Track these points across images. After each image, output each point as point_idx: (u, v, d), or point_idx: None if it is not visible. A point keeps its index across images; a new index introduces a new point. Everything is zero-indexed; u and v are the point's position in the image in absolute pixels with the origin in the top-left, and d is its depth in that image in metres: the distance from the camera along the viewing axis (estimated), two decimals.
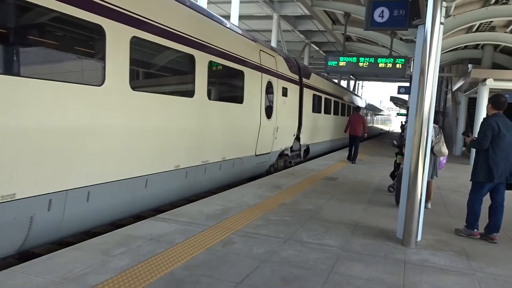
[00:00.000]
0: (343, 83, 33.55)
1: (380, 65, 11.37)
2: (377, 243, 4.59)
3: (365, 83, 61.21)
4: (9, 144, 3.58)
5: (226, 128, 7.53)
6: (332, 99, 16.88)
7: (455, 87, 20.78)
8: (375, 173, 10.51)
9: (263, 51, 9.19)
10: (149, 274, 3.38)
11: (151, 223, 4.86)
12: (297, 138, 12.11)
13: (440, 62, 4.62)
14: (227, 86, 7.96)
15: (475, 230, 5.03)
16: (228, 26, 7.84)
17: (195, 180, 6.64)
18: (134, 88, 4.99)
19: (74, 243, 4.14)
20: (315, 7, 15.22)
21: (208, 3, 15.01)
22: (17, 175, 3.69)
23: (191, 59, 6.21)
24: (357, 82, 48.28)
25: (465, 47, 18.37)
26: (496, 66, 17.92)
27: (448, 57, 19.12)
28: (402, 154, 7.24)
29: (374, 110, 35.62)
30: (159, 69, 5.87)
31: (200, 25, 6.56)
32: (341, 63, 11.79)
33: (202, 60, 6.46)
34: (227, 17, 15.13)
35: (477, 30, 15.46)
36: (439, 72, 5.21)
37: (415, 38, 4.84)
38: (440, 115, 24.27)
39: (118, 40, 4.72)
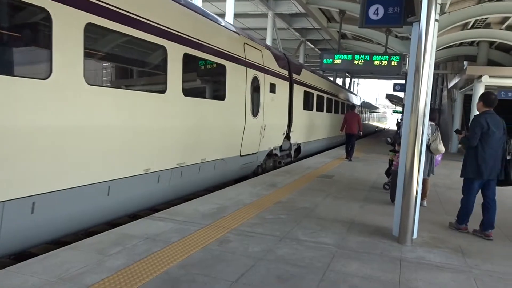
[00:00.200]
0: (339, 81, 33.55)
1: (376, 62, 11.36)
2: (373, 240, 4.60)
3: (361, 80, 61.26)
4: None
5: (206, 127, 6.97)
6: (325, 96, 16.41)
7: (450, 84, 20.87)
8: (371, 170, 10.53)
9: (248, 44, 8.60)
10: (145, 273, 3.37)
11: (147, 222, 4.85)
12: (287, 137, 11.65)
13: (435, 59, 4.63)
14: (206, 81, 7.40)
15: (464, 225, 5.15)
16: (207, 16, 7.21)
17: (169, 185, 6.11)
18: (90, 82, 4.43)
19: (70, 243, 4.13)
20: (310, 5, 15.21)
21: (203, 1, 14.96)
22: None
23: (162, 50, 5.64)
24: (353, 79, 48.35)
25: (461, 44, 18.45)
26: (491, 63, 18.00)
27: (444, 54, 19.18)
28: (395, 151, 7.28)
29: (369, 107, 35.65)
30: (122, 61, 5.30)
31: (174, 14, 6.01)
32: (337, 61, 11.76)
33: (175, 52, 5.87)
34: (222, 15, 15.09)
35: (472, 27, 15.51)
36: (435, 69, 5.22)
37: (410, 35, 4.85)
38: (437, 112, 24.33)
39: (68, 27, 4.11)
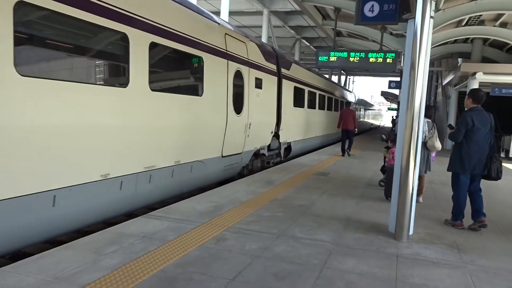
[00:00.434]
0: (334, 78, 33.59)
1: (371, 59, 11.39)
2: (369, 237, 4.61)
3: (356, 78, 61.43)
4: None
5: (180, 126, 6.27)
6: (318, 92, 15.74)
7: (445, 81, 20.95)
8: (367, 167, 10.56)
9: (229, 35, 7.88)
10: (141, 271, 3.36)
11: (143, 221, 4.83)
12: (276, 136, 11.02)
13: (430, 56, 4.64)
14: (179, 74, 6.61)
15: (459, 221, 5.21)
16: (182, 3, 6.46)
17: (135, 191, 5.43)
18: (23, 73, 3.71)
19: (66, 242, 4.11)
20: (305, 2, 15.22)
21: None
22: None
23: (122, 38, 4.94)
24: (348, 77, 48.44)
25: (455, 41, 18.53)
26: (485, 60, 18.10)
27: (438, 51, 19.27)
28: (388, 148, 7.31)
29: (364, 105, 35.68)
30: (67, 49, 4.41)
31: None
32: (332, 58, 11.78)
33: (139, 41, 5.19)
34: (217, 13, 15.05)
35: (466, 24, 15.58)
36: (429, 66, 5.23)
37: (405, 32, 4.86)
38: (433, 109, 24.42)
39: None
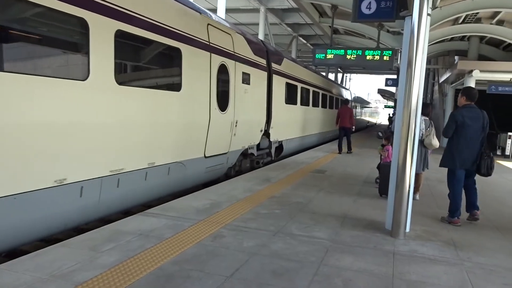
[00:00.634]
0: (331, 76, 33.62)
1: (368, 57, 11.38)
2: (366, 234, 4.62)
3: (353, 75, 61.45)
4: None
5: (154, 123, 5.71)
6: (311, 89, 15.14)
7: (442, 79, 20.98)
8: (363, 165, 10.57)
9: (212, 26, 7.26)
10: (138, 269, 3.36)
11: (140, 219, 4.82)
12: (267, 134, 10.41)
13: (427, 54, 4.65)
14: (152, 67, 5.97)
15: (455, 218, 5.24)
16: None
17: (99, 198, 4.85)
18: None
19: (63, 240, 4.09)
20: (302, 0, 15.18)
21: None
22: None
23: (81, 24, 4.37)
24: (345, 74, 48.46)
25: (452, 39, 18.56)
26: (482, 57, 18.14)
27: (435, 49, 19.30)
28: (383, 146, 7.35)
29: (361, 102, 35.69)
30: (17, 36, 3.85)
31: None
32: (329, 56, 11.76)
33: (102, 28, 4.63)
34: (214, 10, 15.03)
35: (463, 22, 15.60)
36: (426, 64, 5.25)
37: (402, 30, 4.86)
38: (430, 107, 24.49)
39: None
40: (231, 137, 8.12)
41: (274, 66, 10.68)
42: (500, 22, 15.25)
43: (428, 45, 7.79)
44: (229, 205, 5.61)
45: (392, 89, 33.01)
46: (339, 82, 36.66)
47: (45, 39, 4.16)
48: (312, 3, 16.46)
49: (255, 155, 9.86)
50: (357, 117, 30.27)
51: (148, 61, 5.84)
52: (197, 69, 6.71)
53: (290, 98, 12.37)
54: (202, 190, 6.56)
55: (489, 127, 5.24)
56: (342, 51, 11.65)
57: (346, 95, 25.38)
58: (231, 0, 19.02)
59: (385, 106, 56.58)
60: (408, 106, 4.34)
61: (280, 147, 11.80)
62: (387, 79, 21.49)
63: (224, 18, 11.82)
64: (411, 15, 4.28)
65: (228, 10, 18.44)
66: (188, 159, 6.65)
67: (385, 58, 11.28)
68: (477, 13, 14.29)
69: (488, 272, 3.70)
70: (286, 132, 12.12)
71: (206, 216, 5.02)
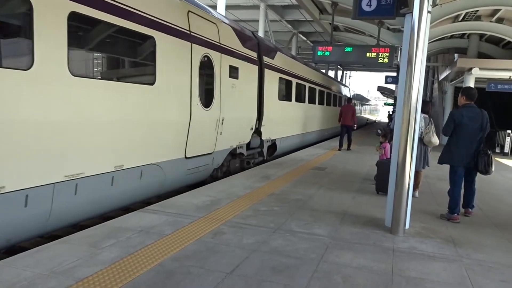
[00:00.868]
0: (331, 73, 33.59)
1: (368, 54, 11.36)
2: (366, 231, 4.63)
3: (353, 73, 61.42)
4: None
5: (122, 121, 5.06)
6: (307, 84, 14.43)
7: (441, 77, 20.98)
8: (363, 162, 10.59)
9: (194, 14, 6.56)
10: (138, 265, 3.37)
11: (140, 215, 4.83)
12: (258, 133, 9.79)
13: (427, 52, 4.65)
14: (118, 57, 5.32)
15: (455, 214, 5.28)
16: None
17: (52, 208, 4.20)
18: None
19: (62, 236, 4.10)
20: None
21: None
22: None
23: (23, 5, 3.78)
24: (345, 72, 48.44)
25: (451, 36, 18.55)
26: (481, 55, 18.13)
27: (435, 47, 19.28)
28: (381, 143, 7.36)
29: (360, 100, 35.64)
30: None
31: None
32: (329, 53, 11.71)
33: (50, 9, 3.96)
34: (214, 7, 14.99)
35: (463, 20, 15.59)
36: (426, 61, 5.25)
37: (402, 27, 4.85)
38: (430, 104, 24.51)
39: None
40: (216, 136, 7.46)
41: (267, 59, 10.01)
42: (500, 20, 15.25)
43: (428, 43, 7.79)
44: (229, 202, 5.62)
45: (392, 86, 33.01)
46: (339, 79, 36.59)
47: None
48: (312, 0, 16.44)
49: (245, 154, 9.25)
50: (357, 115, 30.21)
51: (113, 50, 5.22)
52: (175, 60, 6.05)
53: (285, 94, 11.79)
54: (202, 187, 6.56)
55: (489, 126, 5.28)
56: (345, 48, 11.61)
57: (345, 92, 25.29)
58: None
59: (385, 104, 56.54)
60: (408, 104, 4.34)
61: (273, 146, 11.23)
62: (387, 77, 21.51)
63: (224, 14, 11.78)
64: (412, 12, 4.28)
65: (228, 7, 18.39)
66: (165, 160, 6.02)
67: (385, 60, 11.14)
68: (477, 10, 14.28)
69: (486, 269, 3.71)
70: (279, 130, 11.50)
71: (206, 213, 5.03)
